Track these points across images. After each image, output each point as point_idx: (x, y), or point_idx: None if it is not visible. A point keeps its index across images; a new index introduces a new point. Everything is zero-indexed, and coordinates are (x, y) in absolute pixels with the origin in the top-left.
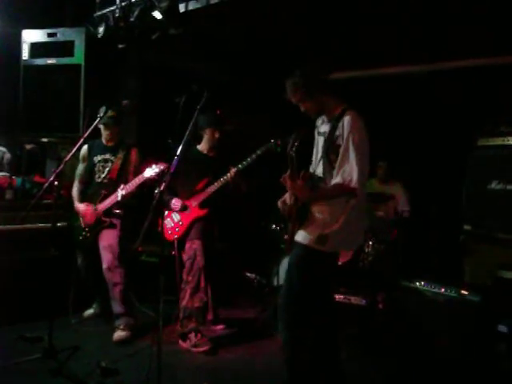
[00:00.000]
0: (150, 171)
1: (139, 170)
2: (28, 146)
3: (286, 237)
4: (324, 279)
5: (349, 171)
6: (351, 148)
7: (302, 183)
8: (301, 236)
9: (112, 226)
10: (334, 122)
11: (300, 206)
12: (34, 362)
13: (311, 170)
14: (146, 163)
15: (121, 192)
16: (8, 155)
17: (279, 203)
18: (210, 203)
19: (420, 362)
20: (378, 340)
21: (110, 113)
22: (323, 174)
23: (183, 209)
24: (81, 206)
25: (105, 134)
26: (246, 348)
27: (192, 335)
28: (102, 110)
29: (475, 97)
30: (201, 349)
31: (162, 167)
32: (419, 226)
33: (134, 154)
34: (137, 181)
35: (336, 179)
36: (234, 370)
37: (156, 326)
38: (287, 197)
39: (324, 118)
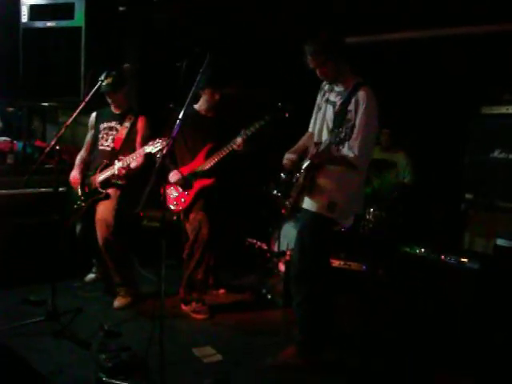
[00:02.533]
0: (152, 147)
1: (148, 141)
2: (9, 109)
3: (287, 203)
4: (328, 243)
5: (358, 148)
6: (363, 126)
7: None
8: (310, 204)
9: (107, 197)
10: (347, 95)
11: (312, 176)
12: (38, 325)
13: (310, 130)
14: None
15: (118, 164)
16: (0, 124)
17: (285, 159)
18: (216, 171)
19: (418, 328)
20: (377, 305)
21: (107, 80)
22: (329, 142)
23: (183, 184)
24: (72, 173)
25: (110, 102)
26: (246, 312)
27: (194, 302)
28: (104, 74)
29: (479, 64)
30: (200, 316)
31: (164, 143)
32: (420, 193)
33: (141, 123)
34: (136, 155)
35: (345, 152)
36: (234, 334)
37: (158, 290)
38: (293, 156)
39: (333, 85)
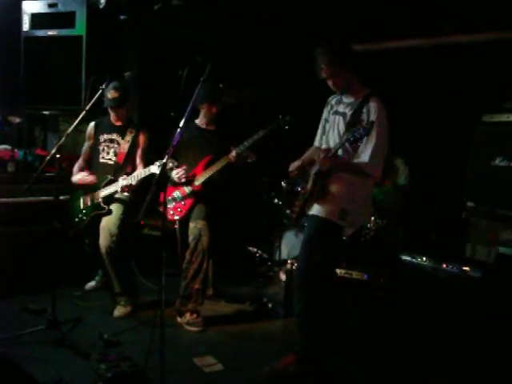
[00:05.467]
0: (157, 167)
1: (147, 155)
2: (15, 119)
3: (288, 212)
4: (337, 250)
5: (370, 155)
6: (376, 136)
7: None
8: (319, 210)
9: (110, 213)
10: (358, 107)
11: (322, 183)
12: (38, 334)
13: (316, 144)
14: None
15: (122, 182)
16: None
17: (292, 165)
18: (212, 182)
19: (420, 337)
20: (378, 314)
21: (113, 93)
22: (345, 138)
23: (188, 183)
24: (76, 176)
25: (111, 114)
26: (247, 321)
27: (188, 314)
28: (105, 83)
29: (480, 72)
30: (193, 328)
31: (170, 164)
32: (421, 201)
33: (142, 137)
34: (142, 173)
35: (359, 161)
36: (235, 343)
37: (158, 299)
38: (299, 162)
39: (341, 97)
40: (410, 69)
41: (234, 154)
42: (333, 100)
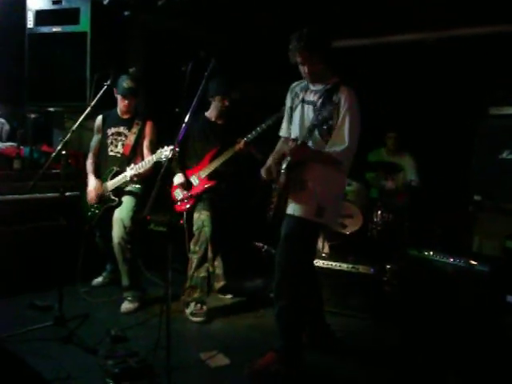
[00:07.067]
0: (161, 154)
1: (155, 145)
2: (33, 116)
3: (271, 206)
4: (314, 246)
5: (341, 147)
6: (347, 125)
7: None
8: (295, 209)
9: (120, 204)
10: (327, 95)
11: (295, 176)
12: (45, 330)
13: (283, 134)
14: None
15: (129, 172)
16: (7, 126)
17: (263, 170)
18: (219, 174)
19: (427, 332)
20: (385, 309)
21: (129, 83)
22: (312, 143)
23: (186, 186)
24: (92, 183)
25: (121, 104)
26: (253, 317)
27: (193, 304)
28: (110, 79)
29: (487, 65)
30: (196, 318)
31: (173, 151)
32: (428, 195)
33: (148, 128)
34: (146, 163)
35: (328, 148)
36: (242, 339)
37: (165, 294)
38: (271, 163)
39: (308, 85)
40: (416, 63)
41: (242, 143)
42: (297, 87)
